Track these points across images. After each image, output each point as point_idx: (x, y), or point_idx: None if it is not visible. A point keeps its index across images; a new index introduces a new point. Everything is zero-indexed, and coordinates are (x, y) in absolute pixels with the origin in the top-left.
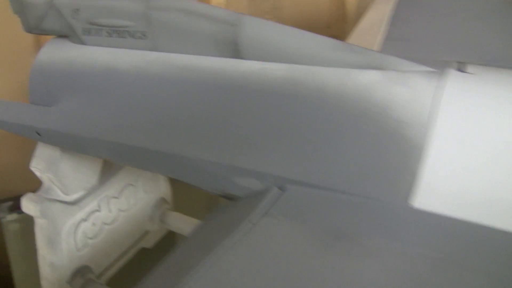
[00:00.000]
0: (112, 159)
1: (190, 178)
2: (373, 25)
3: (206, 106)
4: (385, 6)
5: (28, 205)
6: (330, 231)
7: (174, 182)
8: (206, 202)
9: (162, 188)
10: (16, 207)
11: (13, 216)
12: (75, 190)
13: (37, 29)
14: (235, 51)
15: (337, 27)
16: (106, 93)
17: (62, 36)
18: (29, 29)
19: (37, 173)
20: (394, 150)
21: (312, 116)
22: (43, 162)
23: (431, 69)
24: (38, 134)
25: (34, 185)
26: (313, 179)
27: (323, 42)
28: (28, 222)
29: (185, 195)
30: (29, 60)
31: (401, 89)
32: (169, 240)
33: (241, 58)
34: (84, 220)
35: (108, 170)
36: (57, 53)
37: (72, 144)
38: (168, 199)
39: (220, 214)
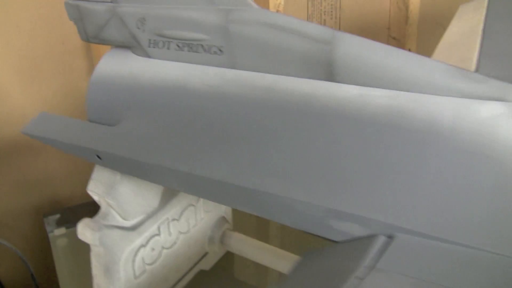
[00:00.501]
0: (185, 191)
1: (279, 218)
2: (463, 37)
3: (296, 136)
4: (473, 16)
5: (84, 232)
6: None
7: None
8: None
9: (222, 206)
10: (64, 220)
11: (61, 230)
12: (134, 215)
13: (96, 38)
14: (328, 72)
15: (398, 28)
16: (177, 114)
17: (123, 46)
18: (86, 38)
19: (95, 197)
20: None
21: (422, 153)
22: (101, 185)
23: None
24: (99, 157)
25: (82, 197)
26: (427, 228)
27: (433, 67)
28: (77, 237)
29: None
30: (77, 63)
31: None
32: (227, 261)
33: (334, 80)
34: (143, 246)
35: (169, 191)
36: (119, 65)
37: (137, 171)
38: (229, 217)
39: (318, 261)
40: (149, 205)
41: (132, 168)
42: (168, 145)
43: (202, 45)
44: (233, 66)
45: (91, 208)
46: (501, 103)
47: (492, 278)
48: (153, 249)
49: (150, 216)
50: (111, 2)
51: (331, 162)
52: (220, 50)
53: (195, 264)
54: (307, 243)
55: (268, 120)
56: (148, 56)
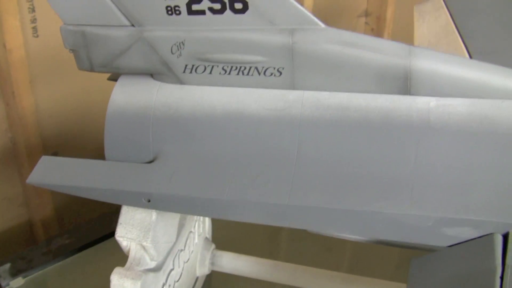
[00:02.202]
0: (271, 223)
1: (384, 234)
2: (438, 37)
3: (384, 152)
4: (437, 15)
5: (122, 283)
6: None
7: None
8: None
9: (207, 226)
10: (18, 269)
11: (19, 281)
12: (162, 253)
13: (105, 67)
14: (404, 87)
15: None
16: (238, 142)
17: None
18: (89, 67)
19: (125, 243)
20: None
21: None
22: (135, 230)
23: None
24: (148, 200)
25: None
26: None
27: (506, 73)
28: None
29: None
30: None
31: None
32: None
33: (410, 94)
34: (164, 284)
35: (180, 222)
36: (143, 95)
37: (201, 210)
38: (210, 237)
39: (439, 267)
40: (171, 241)
41: (196, 207)
42: (243, 176)
43: (256, 68)
44: (292, 87)
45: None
46: None
47: None
48: (169, 286)
49: (169, 251)
50: (132, 26)
51: (429, 173)
52: (278, 72)
53: None
54: (295, 250)
55: (349, 139)
56: (181, 82)
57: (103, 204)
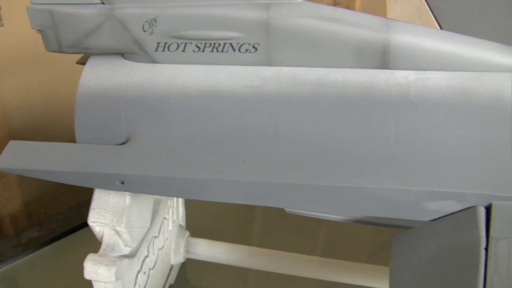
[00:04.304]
0: (250, 202)
1: (367, 210)
2: (412, 19)
3: (365, 126)
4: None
5: (96, 270)
6: None
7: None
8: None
9: (180, 214)
10: None
11: None
12: (136, 239)
13: (74, 48)
14: (382, 60)
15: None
16: (215, 121)
17: (111, 53)
18: (57, 48)
19: (97, 229)
20: None
21: (494, 125)
22: (108, 214)
23: None
24: (122, 182)
25: None
26: None
27: (484, 45)
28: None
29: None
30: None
31: None
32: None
33: (388, 68)
34: (139, 271)
35: (154, 208)
36: (114, 75)
37: (177, 191)
38: (184, 225)
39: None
40: (146, 226)
41: (172, 188)
42: (220, 155)
43: (231, 44)
44: (267, 64)
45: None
46: None
47: None
48: (144, 273)
49: (144, 237)
50: (102, 3)
51: (410, 147)
52: (254, 48)
53: (166, 280)
54: (270, 238)
55: (328, 115)
56: (153, 61)
57: (72, 196)
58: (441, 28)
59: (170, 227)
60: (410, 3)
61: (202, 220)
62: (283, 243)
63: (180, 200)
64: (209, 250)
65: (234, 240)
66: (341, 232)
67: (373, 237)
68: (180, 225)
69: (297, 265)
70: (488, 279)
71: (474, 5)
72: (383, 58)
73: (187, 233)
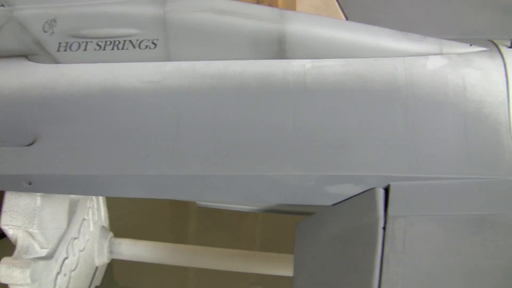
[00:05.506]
0: (152, 196)
1: (268, 198)
2: (319, 10)
3: (262, 115)
4: None
5: (11, 273)
6: (468, 218)
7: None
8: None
9: (102, 215)
10: None
11: None
12: (52, 240)
13: None
14: (279, 51)
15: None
16: (118, 118)
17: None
18: None
19: (10, 232)
20: (482, 129)
21: (389, 109)
22: (19, 216)
23: (484, 48)
24: (29, 183)
25: None
26: (413, 171)
27: (378, 32)
28: None
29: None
30: None
31: (469, 70)
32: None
33: (284, 57)
34: (59, 272)
35: (71, 209)
36: (16, 78)
37: (82, 188)
38: (107, 226)
39: (327, 226)
40: (61, 227)
41: (77, 186)
42: (123, 151)
43: (131, 41)
44: (168, 59)
45: None
46: (441, 56)
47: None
48: (65, 275)
49: (60, 239)
50: (1, 5)
51: (308, 133)
52: (153, 44)
53: (91, 281)
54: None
55: (227, 107)
56: (56, 62)
57: None
58: (347, 19)
59: (92, 228)
60: None
61: (128, 222)
62: (217, 241)
63: (101, 201)
64: (133, 249)
65: (166, 241)
66: (275, 229)
67: None
68: (103, 226)
69: (221, 259)
70: (385, 256)
71: None
72: (280, 48)
73: (111, 233)
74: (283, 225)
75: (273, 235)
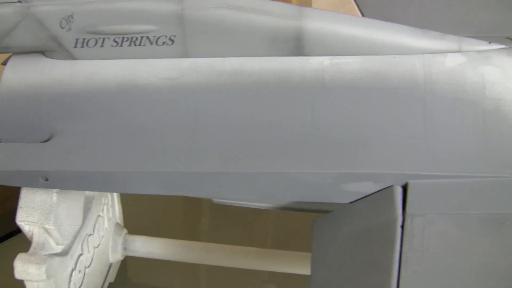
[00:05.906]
0: (168, 193)
1: (286, 196)
2: (336, 8)
3: (282, 113)
4: None
5: (27, 269)
6: (486, 217)
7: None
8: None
9: (117, 212)
10: None
11: None
12: (67, 237)
13: None
14: (297, 48)
15: None
16: (135, 115)
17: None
18: None
19: (26, 228)
20: (501, 128)
21: (407, 106)
22: (36, 212)
23: (503, 46)
24: (46, 179)
25: None
26: (432, 169)
27: (396, 29)
28: None
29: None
30: None
31: (488, 68)
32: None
33: (303, 54)
34: (74, 269)
35: (86, 205)
36: (35, 74)
37: (99, 185)
38: (121, 223)
39: (345, 223)
40: (77, 224)
41: (94, 182)
42: (139, 148)
43: (148, 37)
44: (185, 55)
45: None
46: (460, 54)
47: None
48: (80, 271)
49: (76, 235)
50: (19, 1)
51: (326, 131)
52: (170, 40)
53: (105, 278)
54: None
55: (245, 104)
56: (73, 58)
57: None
58: (363, 16)
59: (106, 225)
60: None
61: (142, 218)
62: (230, 239)
63: (116, 198)
64: (147, 247)
65: (179, 238)
66: (287, 225)
67: None
68: (118, 223)
69: (235, 257)
70: (404, 254)
71: None
72: (298, 45)
73: (125, 230)
74: (295, 223)
75: (286, 233)
